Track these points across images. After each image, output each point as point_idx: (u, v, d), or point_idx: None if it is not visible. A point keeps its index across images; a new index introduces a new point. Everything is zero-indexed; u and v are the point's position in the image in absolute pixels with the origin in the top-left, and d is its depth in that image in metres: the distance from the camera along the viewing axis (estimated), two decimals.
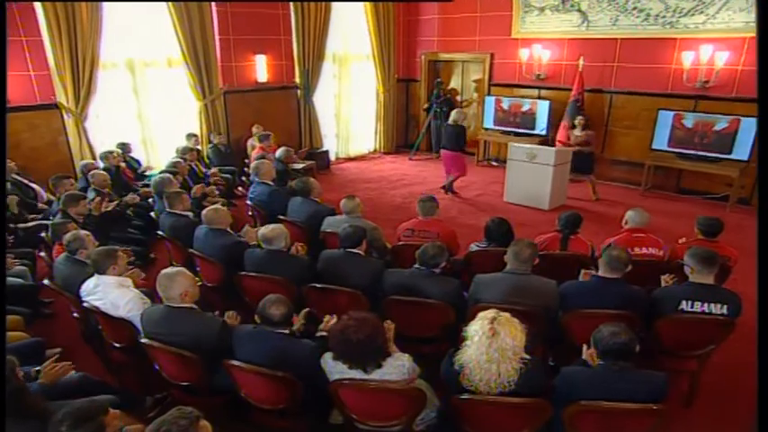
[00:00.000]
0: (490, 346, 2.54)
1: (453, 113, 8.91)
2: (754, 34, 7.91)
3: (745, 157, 8.00)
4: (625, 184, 9.58)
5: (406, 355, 2.82)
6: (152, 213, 6.37)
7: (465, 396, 2.60)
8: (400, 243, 4.77)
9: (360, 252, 4.07)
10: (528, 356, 2.63)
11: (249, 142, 9.40)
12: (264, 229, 4.11)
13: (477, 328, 2.62)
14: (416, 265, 3.77)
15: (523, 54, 10.36)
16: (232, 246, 4.44)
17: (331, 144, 11.61)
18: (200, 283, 3.40)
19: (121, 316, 3.42)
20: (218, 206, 4.67)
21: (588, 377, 2.64)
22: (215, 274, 4.38)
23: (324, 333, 3.18)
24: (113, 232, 5.78)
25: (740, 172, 8.04)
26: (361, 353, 2.69)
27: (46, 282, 3.98)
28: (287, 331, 2.99)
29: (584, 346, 2.91)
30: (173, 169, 6.68)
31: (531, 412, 2.59)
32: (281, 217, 5.31)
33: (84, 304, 3.55)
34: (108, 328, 3.58)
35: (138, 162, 8.32)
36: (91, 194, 5.86)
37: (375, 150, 12.58)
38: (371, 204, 8.25)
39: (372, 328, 2.70)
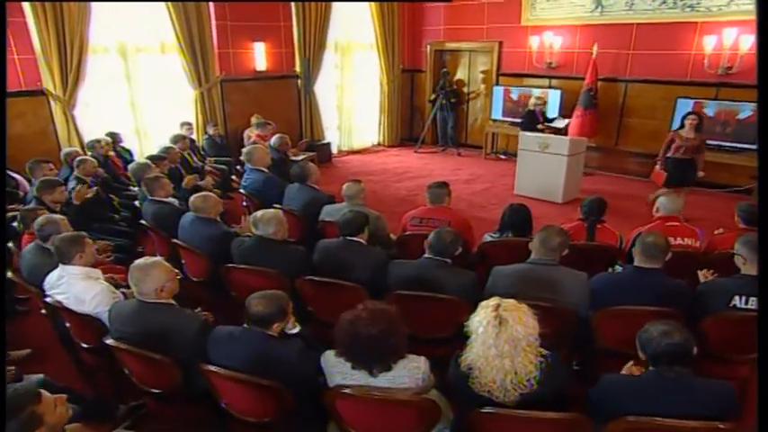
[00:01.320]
0: (498, 337, 2.13)
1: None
2: None
3: None
4: (640, 177, 9.09)
5: (423, 357, 2.37)
6: (137, 203, 5.93)
7: (488, 409, 2.15)
8: (406, 233, 4.32)
9: (361, 240, 3.64)
10: (546, 351, 2.22)
11: (246, 132, 8.97)
12: (256, 213, 3.69)
13: (480, 319, 2.21)
14: (427, 255, 3.34)
15: (534, 42, 9.89)
16: (220, 236, 4.00)
17: (333, 137, 11.16)
18: (179, 277, 2.95)
19: (87, 312, 2.99)
20: (208, 193, 4.24)
21: (636, 387, 2.19)
22: (201, 267, 3.96)
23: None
24: (97, 223, 5.37)
25: None
26: (370, 351, 2.24)
27: (9, 274, 3.56)
28: (273, 332, 2.55)
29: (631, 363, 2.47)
30: (162, 154, 6.23)
31: (566, 430, 2.15)
32: (277, 206, 4.88)
33: (47, 299, 3.11)
34: (75, 326, 3.15)
35: (129, 152, 7.88)
36: (72, 184, 5.44)
37: (379, 143, 12.13)
38: (375, 197, 7.81)
39: (388, 323, 2.25)
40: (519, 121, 10.00)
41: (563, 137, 7.71)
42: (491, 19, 10.52)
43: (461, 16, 10.95)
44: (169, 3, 8.00)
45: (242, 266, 3.59)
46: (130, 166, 5.79)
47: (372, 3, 10.74)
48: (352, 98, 11.41)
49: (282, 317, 2.57)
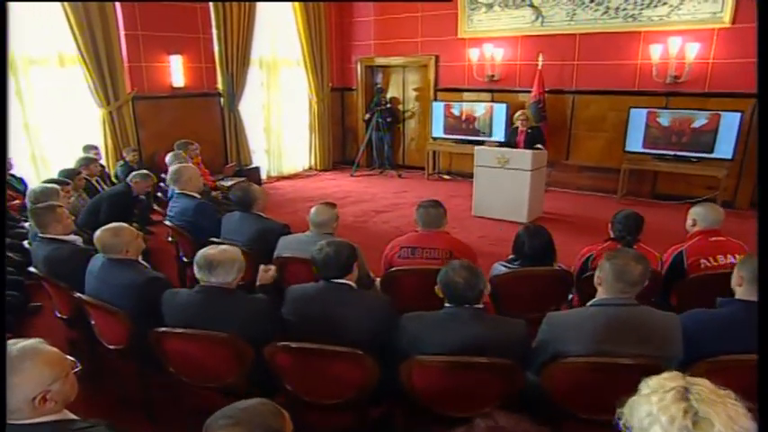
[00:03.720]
0: None
1: None
2: (722, 25, 7.34)
3: (729, 156, 7.29)
4: (594, 192, 8.67)
5: None
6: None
7: None
8: (394, 269, 3.40)
9: (350, 283, 2.68)
10: None
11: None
12: (208, 251, 2.63)
13: (652, 410, 1.25)
14: (447, 304, 2.45)
15: (473, 55, 9.36)
16: (144, 284, 2.89)
17: (261, 161, 10.08)
18: (78, 370, 1.81)
19: None
20: (119, 224, 3.06)
21: None
22: (119, 330, 2.83)
23: None
24: None
25: (727, 171, 7.30)
26: None
27: None
28: None
29: None
30: (63, 179, 4.91)
31: None
32: (216, 240, 3.84)
33: None
34: None
35: (22, 181, 6.48)
36: None
37: (310, 168, 11.14)
38: None
39: None
40: (462, 138, 9.52)
41: (524, 150, 7.09)
42: (425, 32, 9.93)
43: (393, 30, 10.28)
44: (67, 8, 6.78)
45: (179, 331, 2.53)
46: (30, 192, 4.52)
47: (298, 12, 9.88)
48: (279, 119, 10.39)
49: None
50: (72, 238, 3.48)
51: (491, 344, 2.29)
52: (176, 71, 8.32)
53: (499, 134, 9.06)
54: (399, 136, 11.11)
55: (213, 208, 4.40)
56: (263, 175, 9.95)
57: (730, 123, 7.20)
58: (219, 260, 2.56)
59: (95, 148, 6.90)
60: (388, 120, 10.43)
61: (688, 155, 7.60)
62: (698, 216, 3.43)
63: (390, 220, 7.34)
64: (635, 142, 7.95)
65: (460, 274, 2.40)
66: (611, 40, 8.18)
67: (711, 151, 7.43)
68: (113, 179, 6.92)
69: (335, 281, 2.64)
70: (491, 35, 9.19)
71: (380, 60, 10.73)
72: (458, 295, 2.39)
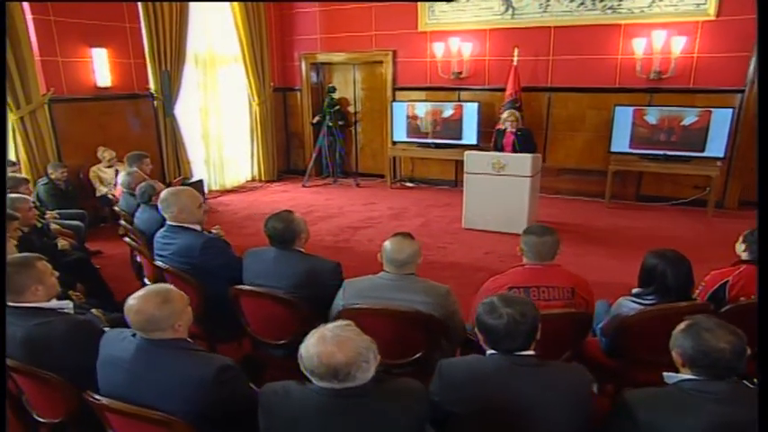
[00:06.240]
0: None
1: None
2: (707, 18, 7.01)
3: (721, 154, 6.95)
4: (576, 195, 8.13)
5: None
6: None
7: None
8: None
9: (534, 354, 1.75)
10: None
11: (93, 171, 6.29)
12: (319, 349, 1.56)
13: None
14: (693, 377, 1.61)
15: (436, 50, 8.57)
16: (215, 379, 1.78)
17: (200, 172, 8.74)
18: None
19: None
20: (165, 286, 1.96)
21: None
22: None
23: None
24: None
25: (719, 170, 6.95)
26: None
27: None
28: None
29: None
30: (12, 213, 3.44)
31: None
32: (242, 287, 2.74)
33: None
34: None
35: None
36: None
37: (254, 179, 9.91)
38: None
39: None
40: (429, 141, 8.73)
41: (523, 155, 6.33)
42: (380, 25, 9.04)
43: (342, 23, 9.30)
44: None
45: None
46: None
47: (236, 6, 8.72)
48: (218, 125, 9.08)
49: None
50: (58, 304, 2.23)
51: (750, 427, 1.55)
52: (100, 67, 6.89)
53: (470, 136, 8.36)
54: (351, 140, 10.14)
55: (223, 246, 3.28)
56: (206, 189, 8.64)
57: (722, 120, 6.88)
58: (348, 364, 1.55)
59: (15, 164, 5.39)
60: (341, 123, 9.47)
61: (679, 154, 7.19)
62: None
63: (375, 238, 6.28)
64: (621, 142, 7.46)
65: (724, 338, 1.61)
66: (588, 34, 7.69)
67: (703, 150, 7.07)
68: (35, 202, 5.43)
69: (520, 354, 1.69)
70: (456, 28, 8.47)
71: (327, 57, 9.73)
72: (721, 367, 1.60)
